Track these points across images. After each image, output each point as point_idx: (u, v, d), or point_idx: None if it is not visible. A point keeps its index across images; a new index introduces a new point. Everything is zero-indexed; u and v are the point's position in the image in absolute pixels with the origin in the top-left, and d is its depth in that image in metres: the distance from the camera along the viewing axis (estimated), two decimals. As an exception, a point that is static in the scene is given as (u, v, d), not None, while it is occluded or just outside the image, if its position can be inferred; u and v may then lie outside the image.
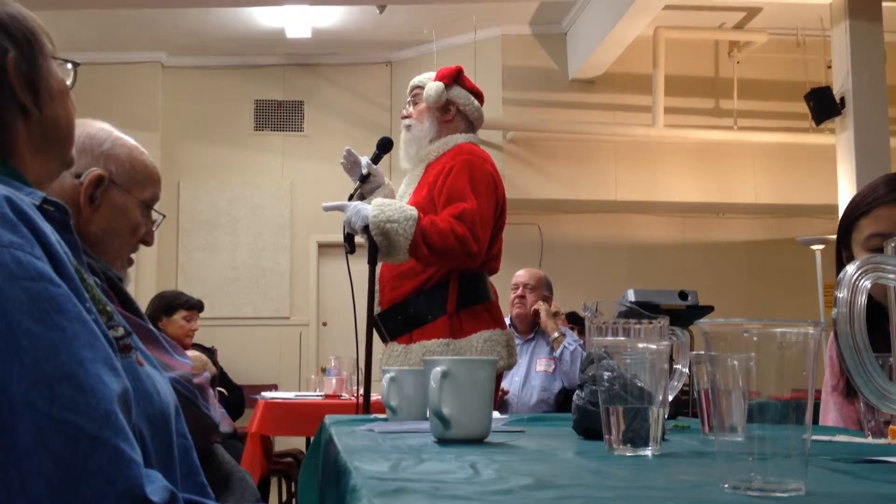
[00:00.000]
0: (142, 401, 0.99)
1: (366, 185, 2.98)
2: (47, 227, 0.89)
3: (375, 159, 3.01)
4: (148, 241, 1.62)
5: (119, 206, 1.53)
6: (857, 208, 1.70)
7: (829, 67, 6.45)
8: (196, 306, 4.88)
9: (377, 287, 2.87)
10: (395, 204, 2.73)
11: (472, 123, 3.01)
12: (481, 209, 2.73)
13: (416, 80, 3.04)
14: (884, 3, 5.89)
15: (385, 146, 3.01)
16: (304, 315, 8.19)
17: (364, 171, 2.96)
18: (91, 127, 1.56)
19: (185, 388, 1.45)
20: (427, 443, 1.26)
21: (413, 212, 2.67)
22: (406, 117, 3.00)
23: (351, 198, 3.00)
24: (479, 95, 3.04)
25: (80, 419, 0.79)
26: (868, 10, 5.85)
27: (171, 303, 4.79)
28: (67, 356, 0.81)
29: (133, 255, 1.61)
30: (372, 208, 2.69)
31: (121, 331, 0.98)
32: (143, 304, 4.70)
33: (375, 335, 2.90)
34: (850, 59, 5.82)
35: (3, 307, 0.79)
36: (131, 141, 1.60)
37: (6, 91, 1.04)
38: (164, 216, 1.66)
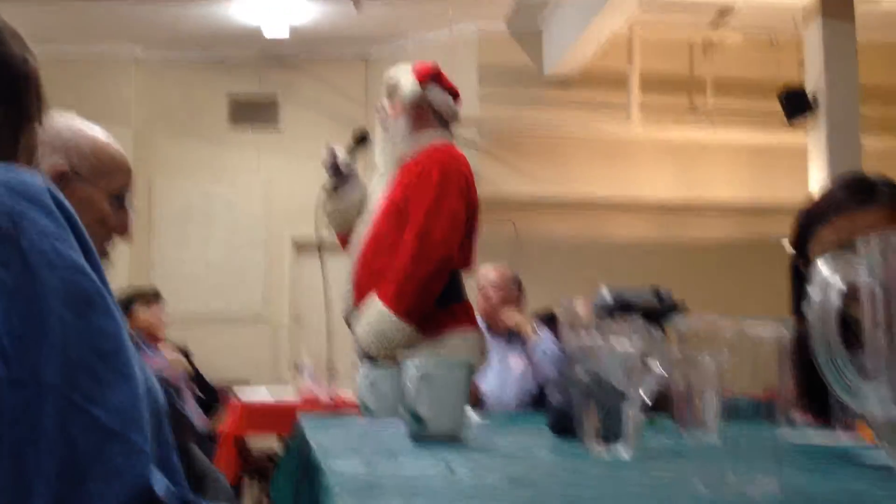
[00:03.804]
0: (146, 396, 1.01)
1: (343, 185, 2.97)
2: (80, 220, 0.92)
3: (351, 153, 2.98)
4: (121, 233, 1.58)
5: (84, 199, 1.49)
6: (814, 217, 1.63)
7: (802, 66, 6.50)
8: (147, 294, 4.80)
9: (351, 286, 2.86)
10: (365, 327, 2.75)
11: (447, 122, 3.00)
12: (451, 207, 2.73)
13: (390, 75, 3.02)
14: (856, 3, 5.95)
15: (362, 139, 2.99)
16: (277, 312, 8.15)
17: (344, 171, 2.95)
18: (52, 119, 1.52)
19: (162, 385, 1.44)
20: (402, 442, 1.26)
21: (375, 323, 2.71)
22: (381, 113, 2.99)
23: (325, 192, 2.99)
24: (455, 94, 3.03)
25: (96, 409, 0.82)
26: (840, 10, 5.90)
27: (126, 301, 4.71)
28: (91, 348, 0.85)
29: (109, 249, 1.57)
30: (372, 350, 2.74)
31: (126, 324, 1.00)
32: (115, 301, 4.65)
33: (349, 333, 2.90)
34: (822, 59, 5.87)
35: (41, 293, 0.83)
36: (96, 130, 1.56)
37: (28, 96, 1.08)
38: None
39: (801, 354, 1.50)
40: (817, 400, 1.59)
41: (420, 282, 2.70)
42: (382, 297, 2.72)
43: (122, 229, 1.57)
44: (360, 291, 2.83)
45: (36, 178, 0.90)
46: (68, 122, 1.54)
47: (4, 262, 0.83)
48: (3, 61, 1.05)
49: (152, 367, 1.45)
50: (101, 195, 1.52)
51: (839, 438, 1.33)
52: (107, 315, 0.87)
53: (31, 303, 0.82)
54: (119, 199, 1.56)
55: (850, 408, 1.32)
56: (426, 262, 2.70)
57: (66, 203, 0.91)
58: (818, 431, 1.42)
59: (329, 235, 3.00)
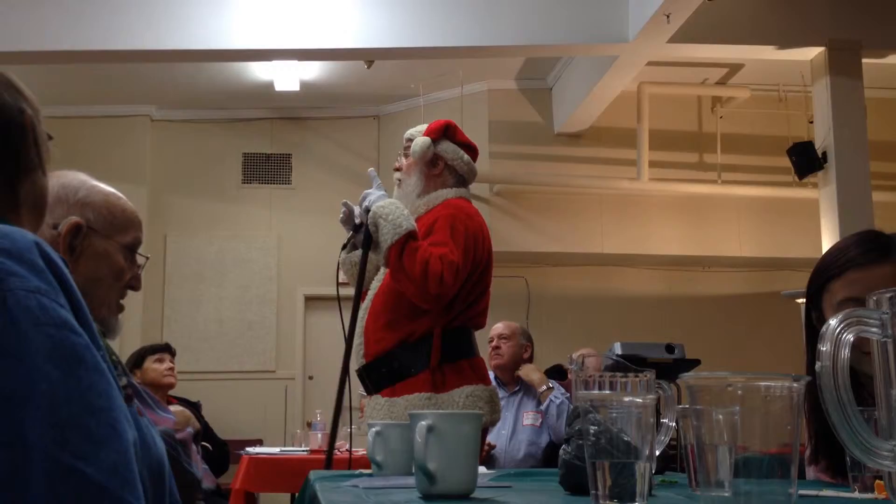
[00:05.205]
0: (142, 451, 1.00)
1: (359, 235, 2.99)
2: (70, 276, 0.91)
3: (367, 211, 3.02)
4: (135, 286, 1.60)
5: (100, 253, 1.52)
6: (828, 270, 1.64)
7: (811, 122, 6.54)
8: (161, 348, 4.81)
9: (362, 340, 2.85)
10: (401, 211, 2.75)
11: (462, 178, 3.00)
12: (454, 260, 2.73)
13: (408, 133, 3.05)
14: (864, 60, 6.00)
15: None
16: (290, 369, 8.13)
17: (357, 221, 2.96)
18: (65, 177, 1.55)
19: (168, 443, 1.43)
20: (412, 498, 1.25)
21: (406, 228, 2.70)
22: (398, 170, 3.02)
23: (345, 247, 3.01)
24: (471, 149, 3.03)
25: (89, 468, 0.80)
26: (848, 66, 5.95)
27: (137, 355, 4.73)
28: (81, 405, 0.83)
29: (123, 302, 1.59)
30: (379, 203, 2.77)
31: (124, 380, 1.00)
32: (126, 357, 4.65)
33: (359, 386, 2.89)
34: (831, 115, 5.90)
35: (26, 351, 0.81)
36: (107, 187, 1.59)
37: (26, 146, 1.06)
38: (147, 258, 1.64)
39: (817, 410, 1.49)
40: (835, 457, 1.57)
41: (408, 282, 2.69)
42: (391, 247, 2.71)
43: (136, 282, 1.59)
44: (370, 345, 2.82)
45: (24, 235, 0.89)
46: (81, 179, 1.57)
47: None
48: None
49: (159, 423, 1.45)
50: (116, 248, 1.54)
51: (854, 496, 1.31)
52: (96, 371, 0.85)
53: (16, 362, 0.81)
54: (131, 252, 1.58)
55: (867, 465, 1.30)
56: (424, 291, 2.67)
57: (57, 259, 0.89)
58: (833, 489, 1.40)
59: (349, 290, 3.00)
